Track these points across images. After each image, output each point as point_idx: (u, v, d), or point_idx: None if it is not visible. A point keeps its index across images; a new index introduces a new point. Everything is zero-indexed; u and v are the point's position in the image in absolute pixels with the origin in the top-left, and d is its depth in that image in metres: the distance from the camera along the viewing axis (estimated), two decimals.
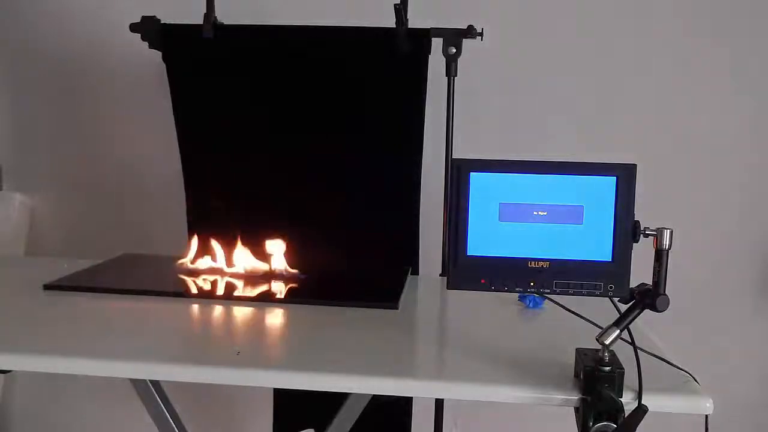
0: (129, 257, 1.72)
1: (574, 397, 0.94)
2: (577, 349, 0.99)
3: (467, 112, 1.76)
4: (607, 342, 0.92)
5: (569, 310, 1.12)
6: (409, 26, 1.64)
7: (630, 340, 0.95)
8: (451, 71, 1.67)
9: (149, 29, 1.71)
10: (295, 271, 1.52)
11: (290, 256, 1.54)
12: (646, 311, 0.93)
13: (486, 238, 0.95)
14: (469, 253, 0.96)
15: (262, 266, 1.53)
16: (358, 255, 1.70)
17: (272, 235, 1.54)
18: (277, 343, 1.23)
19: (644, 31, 1.90)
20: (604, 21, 1.90)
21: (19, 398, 2.27)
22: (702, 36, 1.89)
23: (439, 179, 1.71)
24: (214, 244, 1.56)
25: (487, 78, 1.88)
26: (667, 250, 0.91)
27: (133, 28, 1.71)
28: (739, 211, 1.96)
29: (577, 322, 1.08)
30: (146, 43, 1.73)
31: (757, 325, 2.01)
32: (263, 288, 1.46)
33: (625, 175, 0.92)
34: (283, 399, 1.85)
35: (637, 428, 0.88)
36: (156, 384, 1.48)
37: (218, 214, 1.74)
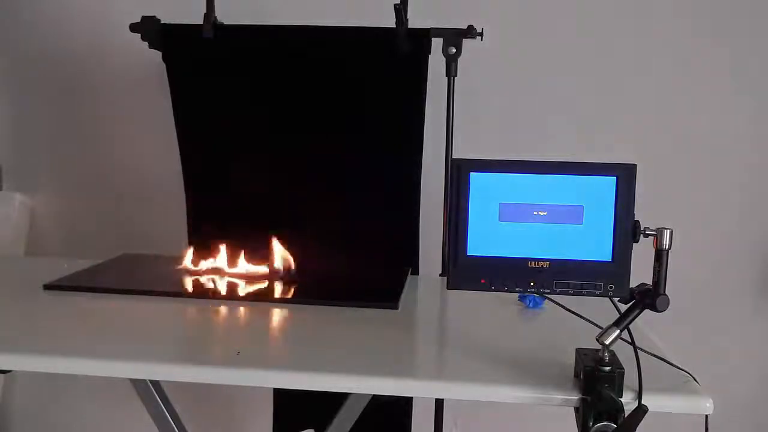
0: (129, 257, 1.72)
1: (574, 397, 0.94)
2: (577, 349, 0.99)
3: (467, 112, 1.76)
4: (607, 342, 0.92)
5: (569, 310, 1.12)
6: (409, 26, 1.64)
7: (630, 340, 0.95)
8: (451, 71, 1.67)
9: (149, 29, 1.71)
10: (294, 271, 1.52)
11: (290, 256, 1.54)
12: (646, 311, 0.93)
13: (486, 238, 0.95)
14: (469, 253, 0.96)
15: (262, 266, 1.53)
16: (358, 255, 1.70)
17: (272, 235, 1.54)
18: (277, 343, 1.23)
19: (644, 31, 1.90)
20: (604, 21, 1.90)
21: (19, 398, 2.27)
22: (702, 36, 1.89)
23: (439, 179, 1.71)
24: (214, 244, 1.56)
25: (487, 78, 1.89)
26: (667, 250, 0.91)
27: (133, 28, 1.71)
28: (739, 211, 1.96)
29: (577, 322, 1.08)
30: (146, 43, 1.73)
31: (757, 325, 2.01)
32: (263, 288, 1.46)
33: (625, 175, 0.92)
34: (283, 399, 1.85)
35: (637, 428, 0.88)
36: (156, 384, 1.48)
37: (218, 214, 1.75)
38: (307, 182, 1.75)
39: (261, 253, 1.54)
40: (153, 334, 1.21)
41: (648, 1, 1.89)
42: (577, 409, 0.94)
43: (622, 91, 1.92)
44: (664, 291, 0.91)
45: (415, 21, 1.65)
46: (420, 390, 1.05)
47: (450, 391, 1.04)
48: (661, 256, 0.91)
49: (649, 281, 0.93)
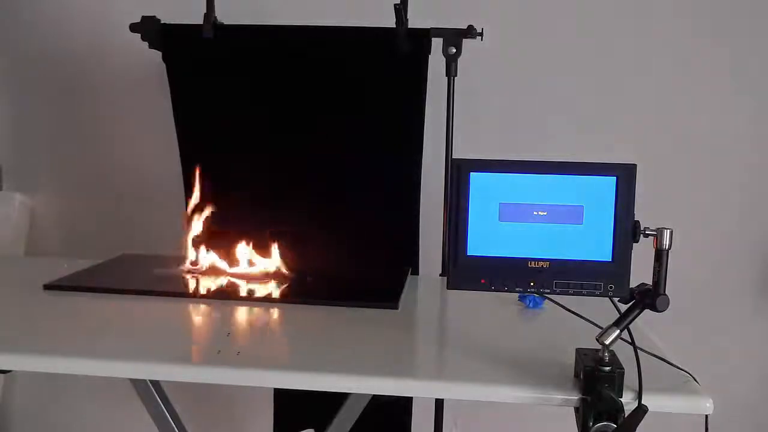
0: (129, 257, 1.72)
1: (574, 397, 0.94)
2: (577, 349, 0.99)
3: (467, 112, 1.76)
4: (607, 342, 0.92)
5: (569, 310, 1.12)
6: (409, 26, 1.64)
7: (630, 340, 0.95)
8: (451, 71, 1.67)
9: (149, 29, 1.71)
10: (294, 271, 1.52)
11: (290, 256, 1.54)
12: (646, 311, 0.93)
13: (486, 238, 0.95)
14: (469, 253, 0.96)
15: (262, 266, 1.53)
16: (358, 255, 1.70)
17: (272, 235, 1.54)
18: (277, 343, 1.23)
19: (644, 31, 1.90)
20: (604, 21, 1.90)
21: (19, 398, 2.27)
22: (702, 36, 1.89)
23: (439, 179, 1.71)
24: (214, 244, 1.56)
25: (487, 78, 1.89)
26: (667, 250, 0.91)
27: (133, 28, 1.71)
28: (739, 211, 1.96)
29: (577, 322, 1.08)
30: (146, 43, 1.73)
31: (757, 325, 2.01)
32: (263, 288, 1.46)
33: (625, 175, 0.92)
34: (283, 399, 1.85)
35: (637, 428, 0.88)
36: (156, 384, 1.48)
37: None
38: (307, 182, 1.75)
39: (261, 253, 1.54)
40: (153, 334, 1.21)
41: (648, 1, 1.89)
42: (577, 409, 0.94)
43: (622, 91, 1.92)
44: (664, 291, 0.91)
45: (415, 21, 1.65)
46: (420, 390, 1.06)
47: (450, 391, 1.04)
48: (661, 256, 0.91)
49: (649, 281, 0.93)
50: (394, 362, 1.09)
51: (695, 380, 1.00)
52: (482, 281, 0.96)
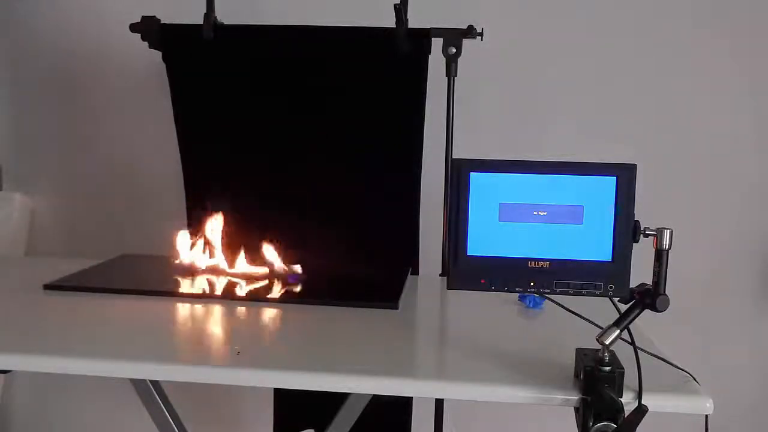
0: (129, 257, 1.73)
1: (574, 397, 0.94)
2: (577, 349, 0.99)
3: (467, 112, 1.76)
4: (607, 342, 0.92)
5: (569, 310, 1.12)
6: (409, 26, 1.64)
7: (630, 340, 0.95)
8: (451, 71, 1.67)
9: (149, 29, 1.71)
10: (294, 270, 1.52)
11: (290, 256, 1.54)
12: (646, 311, 0.93)
13: (486, 238, 0.95)
14: (469, 253, 0.96)
15: (262, 266, 1.53)
16: (358, 255, 1.70)
17: (272, 235, 1.54)
18: (277, 343, 1.23)
19: (644, 30, 1.90)
20: (604, 21, 1.90)
21: (19, 398, 2.27)
22: (702, 36, 1.89)
23: (439, 179, 1.71)
24: (214, 244, 1.56)
25: (487, 78, 1.89)
26: (667, 250, 0.91)
27: (133, 28, 1.71)
28: (739, 211, 1.96)
29: (577, 322, 1.08)
30: (146, 43, 1.73)
31: (758, 324, 2.01)
32: (263, 288, 1.46)
33: (625, 175, 0.92)
34: (283, 399, 1.85)
35: (637, 428, 0.88)
36: (156, 384, 1.48)
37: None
38: (306, 182, 1.75)
39: (261, 253, 1.54)
40: (153, 334, 1.21)
41: (648, 1, 1.89)
42: (577, 409, 0.94)
43: (622, 91, 1.92)
44: (664, 291, 0.91)
45: (415, 21, 1.65)
46: (420, 390, 1.05)
47: (450, 391, 1.04)
48: (661, 256, 0.91)
49: (649, 281, 0.93)
50: (394, 362, 1.09)
51: (695, 380, 1.00)
52: (482, 281, 0.95)
